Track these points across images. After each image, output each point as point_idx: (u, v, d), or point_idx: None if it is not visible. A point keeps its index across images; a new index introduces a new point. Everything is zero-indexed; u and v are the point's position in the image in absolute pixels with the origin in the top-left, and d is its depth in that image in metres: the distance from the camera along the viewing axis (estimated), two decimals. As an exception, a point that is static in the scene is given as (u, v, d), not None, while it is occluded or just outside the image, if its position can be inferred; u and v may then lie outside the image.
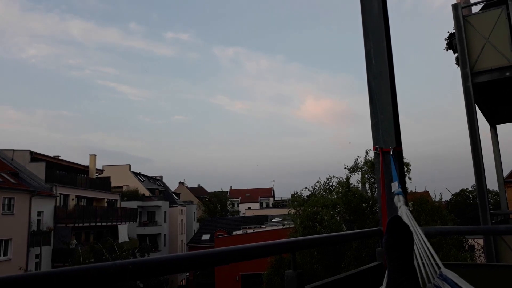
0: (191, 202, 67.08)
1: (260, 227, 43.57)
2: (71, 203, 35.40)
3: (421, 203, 19.30)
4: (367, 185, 22.58)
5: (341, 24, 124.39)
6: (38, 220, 30.63)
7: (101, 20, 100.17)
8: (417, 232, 2.33)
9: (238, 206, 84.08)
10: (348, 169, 22.77)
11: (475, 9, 7.88)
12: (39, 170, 32.73)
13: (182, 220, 57.25)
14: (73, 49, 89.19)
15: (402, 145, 3.12)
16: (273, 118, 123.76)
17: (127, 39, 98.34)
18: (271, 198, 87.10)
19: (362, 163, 22.62)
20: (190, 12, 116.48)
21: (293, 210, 23.50)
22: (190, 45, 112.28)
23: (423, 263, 2.23)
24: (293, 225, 23.44)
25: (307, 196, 24.63)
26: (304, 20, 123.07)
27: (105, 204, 41.25)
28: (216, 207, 76.60)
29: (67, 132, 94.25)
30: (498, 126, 10.29)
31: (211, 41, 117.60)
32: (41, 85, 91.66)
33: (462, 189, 46.80)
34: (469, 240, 18.37)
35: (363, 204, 21.11)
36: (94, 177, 41.77)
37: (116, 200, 43.96)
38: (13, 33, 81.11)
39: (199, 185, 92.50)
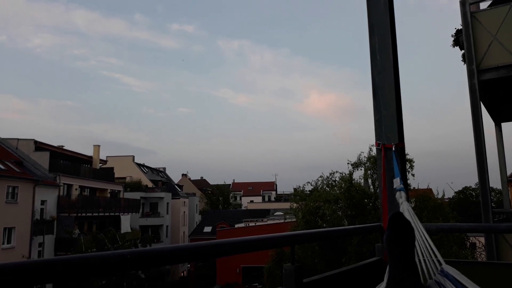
0: (194, 194, 67.31)
1: (262, 220, 43.69)
2: (75, 193, 35.59)
3: (424, 200, 19.29)
4: (369, 180, 22.58)
5: (346, 19, 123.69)
6: (42, 209, 30.82)
7: (105, 10, 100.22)
8: (419, 229, 2.34)
9: (240, 199, 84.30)
10: (351, 165, 22.76)
11: (483, 5, 7.82)
12: (43, 160, 32.89)
13: (184, 212, 57.50)
14: (78, 39, 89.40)
15: (406, 142, 3.11)
16: (277, 112, 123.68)
17: (132, 30, 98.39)
18: (274, 192, 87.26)
19: (365, 159, 22.61)
20: (195, 3, 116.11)
21: (295, 204, 23.54)
22: (194, 37, 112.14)
23: (424, 260, 2.24)
24: (294, 219, 23.50)
25: (309, 190, 24.64)
26: (310, 14, 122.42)
27: (108, 195, 41.46)
28: (218, 199, 76.84)
29: (71, 123, 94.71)
30: (503, 124, 10.23)
31: (216, 34, 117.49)
32: (46, 75, 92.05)
33: (465, 186, 46.47)
34: (471, 238, 18.35)
35: (365, 200, 21.12)
36: (98, 167, 41.92)
37: (119, 191, 44.16)
38: (18, 23, 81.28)
39: (202, 177, 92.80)
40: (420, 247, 2.27)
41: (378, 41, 3.19)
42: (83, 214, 34.46)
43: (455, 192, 44.69)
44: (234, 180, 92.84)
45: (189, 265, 48.50)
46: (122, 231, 37.65)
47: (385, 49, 3.15)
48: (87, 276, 1.27)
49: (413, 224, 2.26)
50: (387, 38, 3.17)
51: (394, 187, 2.79)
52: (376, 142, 3.12)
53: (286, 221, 27.54)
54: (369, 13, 3.29)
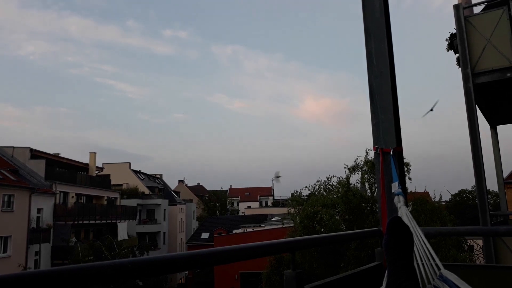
0: (191, 201, 67.10)
1: (260, 226, 43.57)
2: (71, 200, 35.40)
3: (421, 203, 19.34)
4: (367, 184, 22.62)
5: (341, 23, 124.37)
6: (38, 217, 30.63)
7: (99, 17, 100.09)
8: (417, 233, 2.34)
9: (237, 205, 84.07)
10: (348, 169, 22.82)
11: (477, 9, 7.89)
12: (39, 168, 32.73)
13: (181, 218, 57.27)
14: (72, 46, 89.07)
15: (403, 145, 3.12)
16: (273, 117, 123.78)
17: (125, 36, 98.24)
18: (271, 197, 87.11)
19: (362, 163, 22.68)
20: (188, 9, 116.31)
21: (292, 209, 23.53)
22: (188, 43, 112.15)
23: (423, 264, 2.23)
24: (292, 224, 23.47)
25: (306, 195, 24.67)
26: (304, 18, 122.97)
27: (105, 202, 41.27)
28: (215, 205, 76.59)
29: (67, 130, 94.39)
30: (499, 127, 10.30)
31: (209, 39, 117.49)
32: (40, 82, 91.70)
33: (462, 189, 46.64)
34: (468, 241, 18.38)
35: (363, 204, 21.14)
36: (94, 174, 41.78)
37: (116, 198, 43.98)
38: (11, 30, 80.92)
39: (199, 183, 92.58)
40: (418, 252, 2.27)
41: (375, 46, 3.20)
42: (80, 222, 34.27)
43: (452, 195, 44.85)
44: (231, 185, 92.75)
45: (187, 272, 48.26)
46: (119, 239, 37.44)
47: (382, 54, 3.16)
48: (88, 285, 1.27)
49: (411, 229, 2.26)
50: (383, 43, 3.18)
51: (393, 191, 2.79)
52: (374, 147, 3.13)
53: (284, 226, 27.50)
54: (365, 19, 3.30)
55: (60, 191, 34.07)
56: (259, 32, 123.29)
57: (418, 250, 2.27)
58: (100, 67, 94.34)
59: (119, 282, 1.39)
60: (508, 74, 6.89)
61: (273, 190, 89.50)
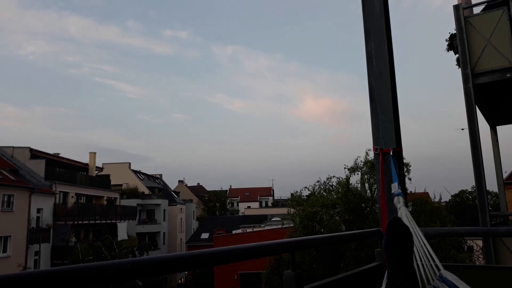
0: (191, 201, 67.10)
1: (259, 226, 43.58)
2: (71, 200, 35.40)
3: (421, 204, 19.34)
4: (366, 185, 22.60)
5: (341, 23, 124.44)
6: (38, 217, 30.63)
7: (99, 17, 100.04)
8: (417, 234, 2.33)
9: (237, 205, 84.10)
10: (348, 169, 22.79)
11: (477, 10, 7.89)
12: (39, 168, 32.73)
13: (181, 218, 57.28)
14: (72, 46, 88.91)
15: (402, 146, 3.12)
16: (273, 117, 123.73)
17: (125, 36, 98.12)
18: (271, 198, 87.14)
19: (362, 163, 22.65)
20: (188, 9, 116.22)
21: (292, 210, 23.51)
22: (188, 43, 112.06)
23: (422, 265, 2.23)
24: (292, 225, 23.46)
25: (306, 195, 24.66)
26: (303, 19, 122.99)
27: (105, 202, 41.28)
28: (215, 206, 76.61)
29: (66, 130, 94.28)
30: (498, 128, 10.30)
31: (209, 39, 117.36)
32: (40, 82, 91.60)
33: (462, 190, 46.64)
34: (468, 241, 18.38)
35: (363, 204, 21.12)
36: (94, 175, 41.78)
37: (116, 198, 43.98)
38: (11, 30, 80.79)
39: (198, 183, 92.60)
40: (418, 252, 2.27)
41: (374, 46, 3.20)
42: (80, 222, 34.28)
43: (452, 196, 44.87)
44: (231, 186, 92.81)
45: (186, 272, 48.24)
46: (119, 239, 37.44)
47: (382, 54, 3.16)
48: (88, 285, 1.27)
49: (411, 229, 2.26)
50: (383, 43, 3.18)
51: (392, 192, 2.79)
52: (374, 147, 3.13)
53: (283, 226, 27.51)
54: (364, 19, 3.30)
55: (60, 191, 34.07)
56: (259, 32, 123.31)
57: (418, 250, 2.26)
58: (100, 67, 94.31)
59: (118, 282, 1.40)
60: (508, 75, 6.89)
61: (273, 190, 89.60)
